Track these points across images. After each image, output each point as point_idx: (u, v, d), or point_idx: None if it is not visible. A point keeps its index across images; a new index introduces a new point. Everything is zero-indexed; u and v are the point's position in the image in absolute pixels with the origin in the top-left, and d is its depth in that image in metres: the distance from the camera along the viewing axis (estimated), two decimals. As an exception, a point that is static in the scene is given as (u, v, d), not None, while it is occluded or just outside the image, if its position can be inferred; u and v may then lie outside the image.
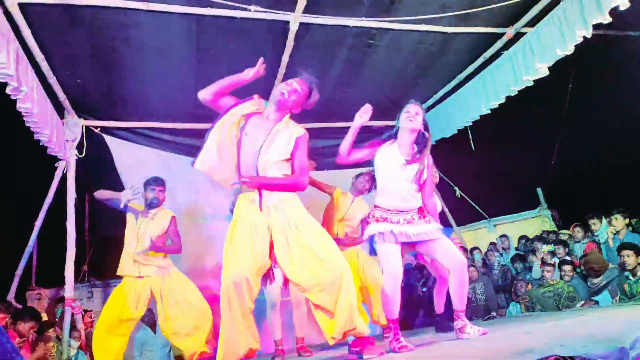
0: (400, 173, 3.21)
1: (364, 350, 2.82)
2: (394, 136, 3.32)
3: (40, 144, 4.54)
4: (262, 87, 5.07)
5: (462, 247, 7.01)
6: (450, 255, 3.17)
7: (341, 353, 3.74)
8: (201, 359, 4.10)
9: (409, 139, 3.27)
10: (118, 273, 4.28)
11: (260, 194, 2.89)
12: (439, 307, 4.30)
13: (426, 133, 3.30)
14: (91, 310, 5.59)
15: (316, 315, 2.85)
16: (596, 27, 3.94)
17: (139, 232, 4.26)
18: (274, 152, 2.90)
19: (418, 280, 6.84)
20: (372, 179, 4.69)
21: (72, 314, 4.84)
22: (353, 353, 2.94)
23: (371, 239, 3.25)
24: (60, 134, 4.93)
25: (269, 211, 2.87)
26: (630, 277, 4.65)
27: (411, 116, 3.24)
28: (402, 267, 3.18)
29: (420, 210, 3.27)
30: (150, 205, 4.35)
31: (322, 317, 2.81)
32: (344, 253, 4.37)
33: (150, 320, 5.37)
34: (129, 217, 4.36)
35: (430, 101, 6.08)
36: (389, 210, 3.22)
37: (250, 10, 3.94)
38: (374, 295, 4.42)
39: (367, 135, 6.72)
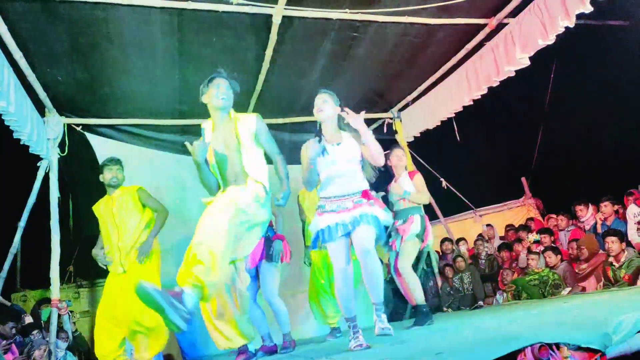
0: (333, 157, 3.13)
1: None
2: (319, 133, 3.25)
3: (21, 142, 4.46)
4: (248, 82, 5.06)
5: (448, 238, 7.08)
6: (357, 241, 3.01)
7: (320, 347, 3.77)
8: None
9: (328, 128, 3.23)
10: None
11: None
12: (410, 301, 4.38)
13: (343, 113, 3.20)
14: (74, 311, 5.52)
15: None
16: (577, 16, 3.97)
17: (117, 220, 4.11)
18: (247, 144, 3.10)
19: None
20: None
21: (59, 315, 4.79)
22: None
23: (316, 236, 3.15)
24: (42, 133, 4.84)
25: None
26: (615, 263, 4.73)
27: (319, 107, 3.21)
28: (350, 260, 3.08)
29: (365, 193, 3.14)
30: (110, 185, 4.22)
31: None
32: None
33: None
34: (98, 213, 4.21)
35: (415, 93, 6.09)
36: (330, 199, 3.13)
37: (232, 4, 3.90)
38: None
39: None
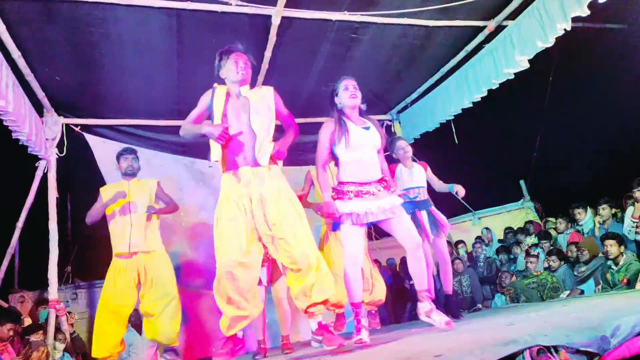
0: (362, 139, 3.11)
1: (324, 340, 2.83)
2: (337, 114, 3.22)
3: (20, 142, 4.46)
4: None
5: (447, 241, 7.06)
6: (406, 234, 3.08)
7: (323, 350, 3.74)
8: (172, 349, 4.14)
9: (353, 113, 3.22)
10: (114, 253, 4.16)
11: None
12: (447, 288, 4.36)
13: (362, 106, 3.27)
14: (72, 312, 5.50)
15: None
16: (575, 19, 3.98)
17: (130, 203, 4.16)
18: (264, 118, 2.98)
19: (405, 273, 6.89)
20: None
21: (57, 316, 4.77)
22: (315, 340, 2.91)
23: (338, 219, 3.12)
24: (40, 133, 4.84)
25: (248, 183, 2.89)
26: (613, 267, 4.73)
27: (352, 92, 3.20)
28: (365, 248, 3.15)
29: (382, 180, 3.16)
30: (126, 174, 4.25)
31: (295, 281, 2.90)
32: None
33: (136, 320, 5.31)
34: (110, 193, 4.20)
35: (413, 95, 6.10)
36: (355, 183, 3.09)
37: (231, 4, 3.90)
38: None
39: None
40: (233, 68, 3.03)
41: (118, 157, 4.31)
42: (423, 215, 4.22)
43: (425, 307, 3.11)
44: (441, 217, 4.30)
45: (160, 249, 4.26)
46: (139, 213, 4.16)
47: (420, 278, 3.12)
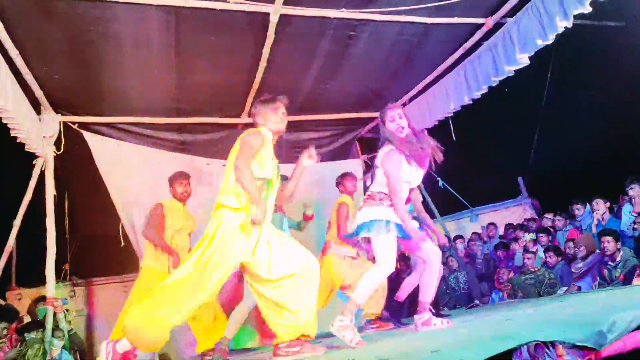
0: (411, 179, 3.26)
1: (302, 351, 2.89)
2: (387, 142, 3.32)
3: (18, 140, 4.44)
4: (245, 81, 5.05)
5: (446, 235, 7.09)
6: (430, 247, 3.28)
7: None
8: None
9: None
10: (144, 265, 4.29)
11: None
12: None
13: (420, 132, 3.39)
14: (69, 310, 5.51)
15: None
16: (575, 16, 3.97)
17: (180, 229, 4.38)
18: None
19: (403, 270, 6.90)
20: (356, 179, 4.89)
21: (55, 313, 4.77)
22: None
23: (368, 224, 3.20)
24: (38, 131, 4.83)
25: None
26: (610, 263, 4.75)
27: (399, 125, 3.29)
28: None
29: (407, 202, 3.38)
30: (181, 199, 4.46)
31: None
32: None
33: None
34: (171, 208, 4.39)
35: (412, 92, 6.10)
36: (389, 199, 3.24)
37: (229, 2, 3.89)
38: None
39: (352, 127, 6.78)
40: (274, 116, 3.05)
41: (172, 181, 4.46)
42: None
43: (424, 316, 3.23)
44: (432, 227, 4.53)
45: None
46: (183, 238, 4.38)
47: (429, 290, 3.26)
